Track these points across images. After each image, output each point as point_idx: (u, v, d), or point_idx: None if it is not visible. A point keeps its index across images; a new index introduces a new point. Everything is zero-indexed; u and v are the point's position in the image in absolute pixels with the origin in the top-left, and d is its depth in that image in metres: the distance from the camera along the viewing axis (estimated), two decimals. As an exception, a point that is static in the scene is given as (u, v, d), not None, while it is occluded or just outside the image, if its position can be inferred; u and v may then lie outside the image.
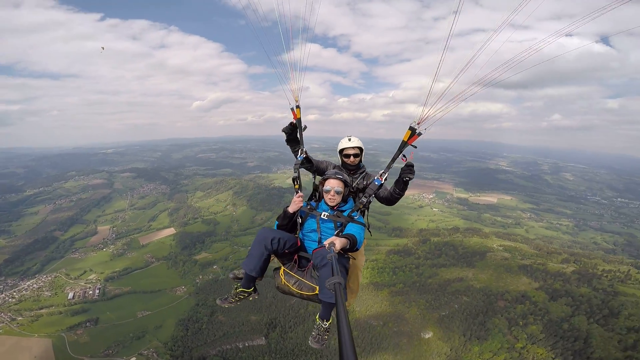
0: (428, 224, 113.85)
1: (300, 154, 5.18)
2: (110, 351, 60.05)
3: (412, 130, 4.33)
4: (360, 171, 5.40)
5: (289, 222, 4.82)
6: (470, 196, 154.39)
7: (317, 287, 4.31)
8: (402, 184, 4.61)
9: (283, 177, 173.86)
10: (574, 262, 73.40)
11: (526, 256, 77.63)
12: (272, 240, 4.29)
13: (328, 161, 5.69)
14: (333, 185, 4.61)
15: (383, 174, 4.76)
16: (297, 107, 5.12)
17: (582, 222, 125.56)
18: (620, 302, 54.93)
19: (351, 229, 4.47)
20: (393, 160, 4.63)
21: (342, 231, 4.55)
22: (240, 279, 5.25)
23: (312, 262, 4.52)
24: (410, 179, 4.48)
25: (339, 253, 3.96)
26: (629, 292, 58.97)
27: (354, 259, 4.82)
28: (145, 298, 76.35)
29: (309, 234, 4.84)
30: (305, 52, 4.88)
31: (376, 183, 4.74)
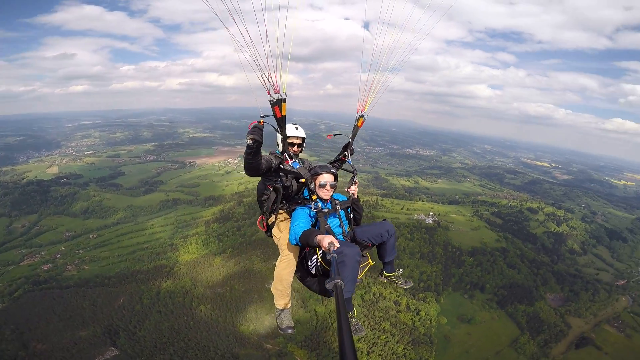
0: (238, 187, 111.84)
1: (293, 161, 4.84)
2: None
3: (361, 116, 5.14)
4: (299, 158, 5.40)
5: None
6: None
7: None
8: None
9: (40, 166, 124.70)
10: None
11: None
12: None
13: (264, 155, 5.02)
14: (328, 179, 4.64)
15: (347, 156, 5.43)
16: (283, 100, 4.11)
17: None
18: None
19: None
20: (352, 140, 5.40)
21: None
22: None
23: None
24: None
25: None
26: (377, 215, 78.80)
27: None
28: None
29: (333, 229, 4.79)
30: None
31: (351, 165, 5.38)
